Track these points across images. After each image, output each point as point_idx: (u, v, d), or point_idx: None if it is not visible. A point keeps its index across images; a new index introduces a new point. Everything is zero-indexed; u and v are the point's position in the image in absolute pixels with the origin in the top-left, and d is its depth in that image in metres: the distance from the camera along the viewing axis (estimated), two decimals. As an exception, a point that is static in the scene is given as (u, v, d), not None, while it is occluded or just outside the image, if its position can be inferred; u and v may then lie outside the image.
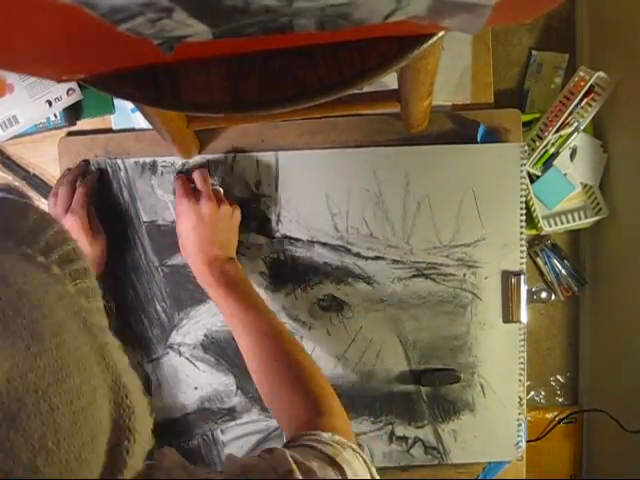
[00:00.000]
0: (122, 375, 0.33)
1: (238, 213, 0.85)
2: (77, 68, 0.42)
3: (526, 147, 0.90)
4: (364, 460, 0.52)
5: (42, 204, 0.97)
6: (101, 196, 0.90)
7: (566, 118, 0.93)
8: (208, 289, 0.79)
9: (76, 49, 0.37)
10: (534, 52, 1.01)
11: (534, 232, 1.00)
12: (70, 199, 0.83)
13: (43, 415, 0.27)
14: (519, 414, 0.93)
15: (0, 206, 0.36)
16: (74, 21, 0.29)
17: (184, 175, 0.87)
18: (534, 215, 0.96)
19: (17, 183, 0.97)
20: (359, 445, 0.59)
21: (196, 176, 0.84)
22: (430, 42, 0.42)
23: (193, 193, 0.82)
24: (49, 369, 0.28)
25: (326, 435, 0.54)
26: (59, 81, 0.44)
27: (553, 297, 1.05)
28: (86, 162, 0.90)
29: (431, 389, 0.92)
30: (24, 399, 0.26)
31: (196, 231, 0.80)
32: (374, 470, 0.51)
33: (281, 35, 0.36)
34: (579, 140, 0.96)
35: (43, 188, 0.96)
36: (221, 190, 0.86)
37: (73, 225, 0.81)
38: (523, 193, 0.89)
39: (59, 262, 0.35)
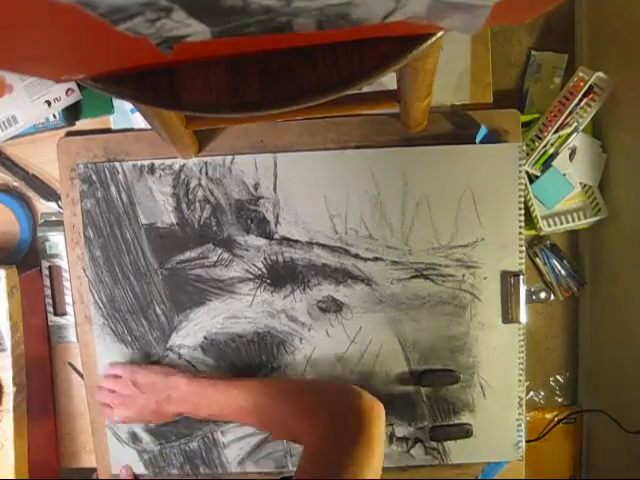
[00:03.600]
0: None
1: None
2: (76, 68, 0.42)
3: (525, 147, 0.90)
4: None
5: (41, 204, 0.97)
6: (99, 199, 0.91)
7: (565, 118, 0.93)
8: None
9: (75, 49, 0.37)
10: (533, 52, 1.01)
11: (533, 232, 1.00)
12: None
13: None
14: (519, 414, 0.92)
15: None
16: (73, 21, 0.29)
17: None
18: (533, 215, 0.96)
19: (16, 183, 0.97)
20: None
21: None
22: (429, 42, 0.42)
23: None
24: None
25: None
26: (58, 81, 0.44)
27: (552, 297, 1.04)
28: None
29: (431, 390, 0.92)
30: None
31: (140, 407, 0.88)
32: None
33: (280, 35, 0.36)
34: (578, 140, 0.96)
35: (42, 188, 0.96)
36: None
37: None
38: (522, 193, 0.89)
39: None
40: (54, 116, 0.92)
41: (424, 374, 0.92)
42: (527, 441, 0.97)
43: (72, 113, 0.93)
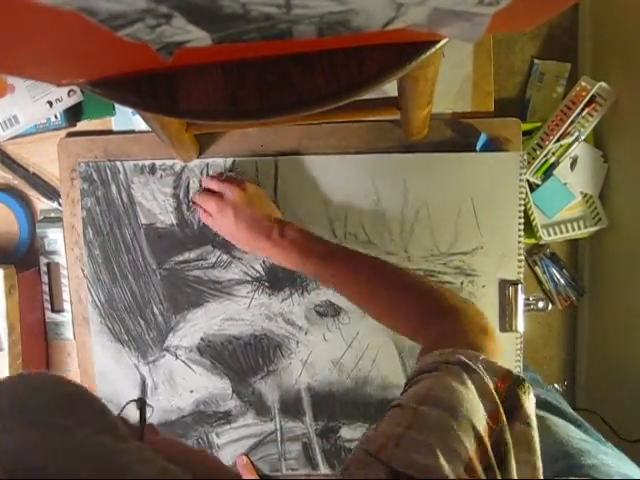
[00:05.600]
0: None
1: (256, 185, 0.86)
2: (77, 73, 0.42)
3: (525, 156, 0.90)
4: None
5: (41, 202, 0.97)
6: (100, 198, 0.91)
7: (567, 127, 0.94)
8: (283, 261, 0.77)
9: (76, 54, 0.37)
10: (536, 61, 1.01)
11: (533, 241, 1.00)
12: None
13: None
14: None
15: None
16: (74, 27, 0.29)
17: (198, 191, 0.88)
18: (533, 224, 0.96)
19: (16, 182, 0.97)
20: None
21: (206, 181, 0.86)
22: (429, 53, 0.42)
23: (214, 193, 0.83)
24: None
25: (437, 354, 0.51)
26: (59, 85, 0.44)
27: (551, 306, 1.04)
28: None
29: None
30: None
31: (238, 218, 0.79)
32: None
33: (280, 41, 0.36)
34: (580, 150, 0.96)
35: (43, 187, 0.96)
36: (233, 174, 0.88)
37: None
38: (522, 202, 0.89)
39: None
40: (55, 117, 0.92)
41: None
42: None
43: (73, 114, 0.93)
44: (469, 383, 0.46)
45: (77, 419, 0.36)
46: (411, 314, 0.66)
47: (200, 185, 0.89)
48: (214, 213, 0.82)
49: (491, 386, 0.46)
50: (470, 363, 0.48)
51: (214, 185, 0.84)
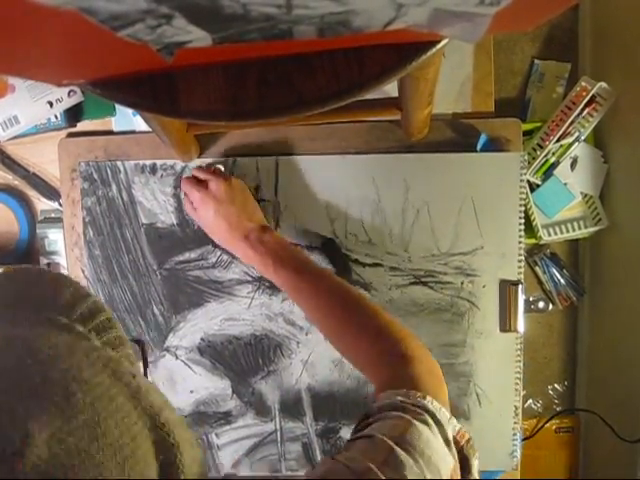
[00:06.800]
0: (161, 414, 0.33)
1: (242, 183, 0.85)
2: (77, 73, 0.42)
3: (526, 157, 0.90)
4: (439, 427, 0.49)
5: (42, 203, 0.97)
6: (100, 198, 0.91)
7: (567, 128, 0.93)
8: (256, 265, 0.78)
9: (76, 55, 0.37)
10: (536, 61, 1.01)
11: (533, 241, 0.99)
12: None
13: (90, 474, 0.27)
14: (514, 424, 0.92)
15: (38, 278, 0.38)
16: (74, 27, 0.29)
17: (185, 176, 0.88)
18: (534, 224, 0.96)
19: (17, 182, 0.97)
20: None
21: (195, 171, 0.85)
22: (429, 53, 0.42)
23: (199, 183, 0.82)
24: (87, 428, 0.29)
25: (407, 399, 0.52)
26: (59, 85, 0.44)
27: (551, 307, 1.04)
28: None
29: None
30: (68, 463, 0.27)
31: (219, 213, 0.79)
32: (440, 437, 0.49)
33: (280, 42, 0.36)
34: (580, 150, 0.96)
35: (43, 187, 0.96)
36: (222, 167, 0.88)
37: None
38: (522, 203, 0.89)
39: (82, 320, 0.37)
40: (56, 117, 0.92)
41: None
42: (523, 439, 0.97)
43: (74, 114, 0.93)
44: (437, 434, 0.48)
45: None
46: (368, 349, 0.65)
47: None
48: (197, 203, 0.82)
49: (451, 440, 0.49)
50: (435, 413, 0.50)
51: (201, 174, 0.83)
